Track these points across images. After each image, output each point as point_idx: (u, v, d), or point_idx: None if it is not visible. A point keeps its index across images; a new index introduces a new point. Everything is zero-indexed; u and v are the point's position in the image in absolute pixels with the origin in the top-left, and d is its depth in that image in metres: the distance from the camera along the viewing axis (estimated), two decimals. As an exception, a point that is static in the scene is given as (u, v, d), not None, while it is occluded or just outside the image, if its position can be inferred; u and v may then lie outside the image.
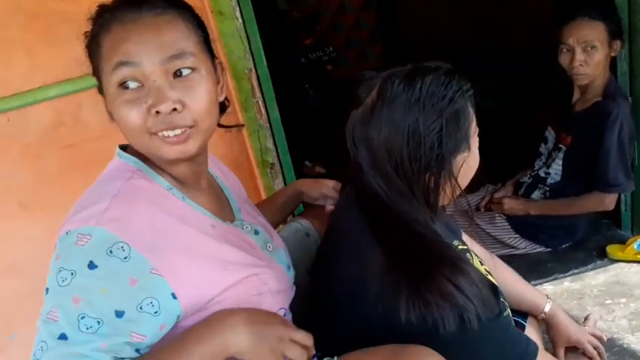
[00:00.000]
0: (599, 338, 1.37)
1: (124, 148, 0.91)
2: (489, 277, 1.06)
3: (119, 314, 0.74)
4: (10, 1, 1.42)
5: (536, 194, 2.05)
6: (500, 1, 4.08)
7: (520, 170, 2.23)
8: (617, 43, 1.78)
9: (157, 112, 0.79)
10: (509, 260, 1.90)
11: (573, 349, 1.34)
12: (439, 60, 0.91)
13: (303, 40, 4.46)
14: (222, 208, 0.98)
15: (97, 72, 0.85)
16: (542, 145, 2.10)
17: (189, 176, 0.91)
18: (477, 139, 0.94)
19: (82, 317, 0.73)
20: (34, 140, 1.54)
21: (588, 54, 1.75)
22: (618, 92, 1.82)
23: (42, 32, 1.45)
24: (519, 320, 1.32)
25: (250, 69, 1.60)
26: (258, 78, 1.63)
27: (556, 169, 1.98)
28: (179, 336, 0.78)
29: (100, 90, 0.87)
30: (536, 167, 2.09)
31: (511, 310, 1.22)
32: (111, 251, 0.74)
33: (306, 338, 0.80)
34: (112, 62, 0.80)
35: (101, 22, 0.83)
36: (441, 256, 0.85)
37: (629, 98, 1.86)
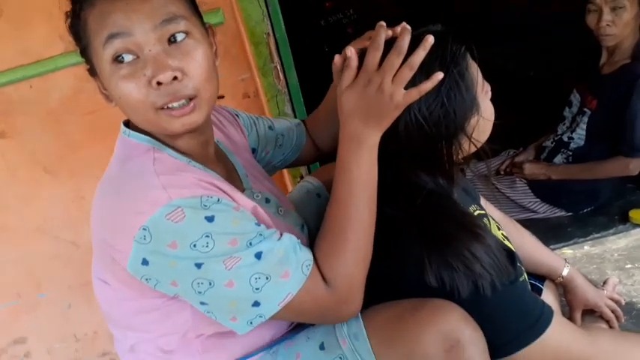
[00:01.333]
0: (617, 302, 1.38)
1: (126, 124, 0.90)
2: (506, 242, 1.06)
3: (257, 224, 0.82)
4: (29, -32, 1.43)
5: (558, 159, 2.02)
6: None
7: (543, 134, 2.20)
8: None
9: (158, 84, 0.76)
10: (529, 224, 1.91)
11: (591, 312, 1.35)
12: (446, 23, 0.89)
13: (324, 3, 4.38)
14: (231, 178, 0.98)
15: (85, 53, 0.82)
16: (567, 108, 2.05)
17: (196, 147, 0.89)
18: (489, 94, 0.93)
19: (250, 243, 0.78)
20: (57, 107, 1.57)
21: (616, 14, 1.70)
22: (647, 54, 1.76)
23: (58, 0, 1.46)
24: (536, 284, 1.33)
25: (268, 33, 1.58)
26: (276, 43, 1.62)
27: (580, 134, 1.95)
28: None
29: (92, 72, 0.84)
30: (560, 132, 2.06)
31: (529, 274, 1.23)
32: (205, 205, 0.76)
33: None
34: (101, 37, 0.76)
35: (83, 1, 0.79)
36: (459, 223, 0.86)
37: (659, 60, 1.80)
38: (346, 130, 0.85)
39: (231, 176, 0.98)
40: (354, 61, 0.82)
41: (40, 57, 1.50)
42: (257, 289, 0.78)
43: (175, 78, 0.77)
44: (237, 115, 1.16)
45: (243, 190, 0.97)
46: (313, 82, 2.17)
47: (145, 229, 0.74)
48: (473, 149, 0.91)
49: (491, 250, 0.84)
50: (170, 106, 0.78)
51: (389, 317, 0.86)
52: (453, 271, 0.82)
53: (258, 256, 0.78)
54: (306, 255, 0.83)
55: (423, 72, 0.81)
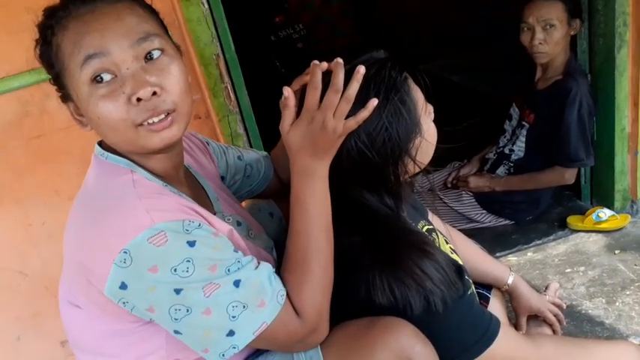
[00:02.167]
0: (559, 306, 1.45)
1: (100, 144, 0.90)
2: (454, 255, 1.11)
3: (235, 250, 0.83)
4: (-33, -9, 1.38)
5: (501, 170, 2.12)
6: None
7: (486, 146, 2.29)
8: (577, 22, 1.83)
9: (138, 100, 0.77)
10: (475, 233, 1.99)
11: (535, 317, 1.42)
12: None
13: (273, 18, 4.42)
14: (202, 201, 0.98)
15: (59, 79, 0.82)
16: (507, 122, 2.16)
17: (169, 169, 0.90)
18: (432, 115, 0.97)
19: (228, 270, 0.79)
20: (0, 132, 1.52)
21: (547, 32, 1.80)
22: (578, 70, 1.89)
23: (3, 23, 1.42)
24: (484, 292, 1.38)
25: (218, 54, 1.59)
26: (226, 63, 1.63)
27: (520, 146, 2.05)
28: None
29: (65, 98, 0.84)
30: (501, 144, 2.16)
31: (476, 283, 1.29)
32: (187, 229, 0.77)
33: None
34: (78, 59, 0.77)
35: (53, 23, 0.79)
36: (408, 242, 0.89)
37: (589, 75, 1.93)
38: (296, 165, 0.88)
39: (202, 199, 0.99)
40: (291, 100, 0.86)
41: (-19, 82, 1.46)
42: (233, 317, 0.79)
43: (154, 93, 0.78)
44: (207, 143, 1.17)
45: (214, 214, 0.98)
46: (265, 99, 2.20)
47: (125, 252, 0.74)
48: (417, 169, 0.96)
49: (441, 266, 0.88)
50: (150, 121, 0.79)
51: (342, 337, 0.89)
52: (405, 288, 0.84)
53: (237, 284, 0.80)
54: (280, 285, 0.85)
55: (363, 100, 0.84)
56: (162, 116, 0.80)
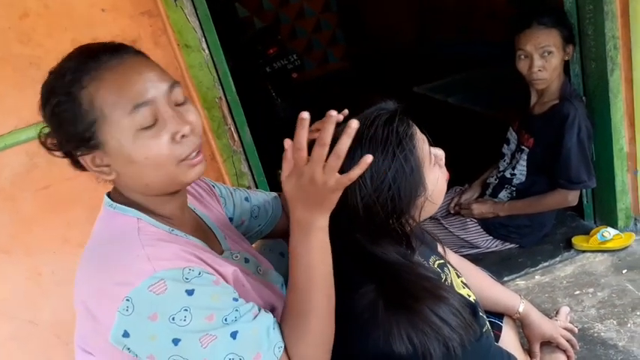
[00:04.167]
0: (571, 331, 1.45)
1: (109, 196, 0.92)
2: (466, 289, 1.11)
3: (235, 299, 0.85)
4: (-25, 50, 1.41)
5: (503, 194, 2.13)
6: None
7: (486, 168, 2.31)
8: (570, 48, 1.87)
9: (182, 137, 0.84)
10: (482, 257, 2.00)
11: (548, 343, 1.42)
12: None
13: (267, 50, 4.49)
14: (209, 240, 1.00)
15: (89, 129, 0.82)
16: (505, 146, 2.18)
17: (177, 211, 0.94)
18: (441, 161, 0.97)
19: (225, 319, 0.80)
20: (8, 185, 1.53)
21: (546, 59, 1.83)
22: (573, 94, 1.91)
23: (9, 77, 1.45)
24: (496, 321, 1.38)
25: (220, 97, 1.62)
26: (228, 105, 1.66)
27: (521, 170, 2.07)
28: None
29: (89, 147, 0.84)
30: (502, 168, 2.17)
31: (488, 312, 1.29)
32: (187, 278, 0.79)
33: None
34: (125, 107, 0.81)
35: (81, 75, 0.81)
36: (423, 288, 0.88)
37: (584, 98, 1.97)
38: (294, 216, 0.87)
39: (209, 239, 1.01)
40: (289, 152, 0.85)
41: (-11, 136, 1.48)
42: None
43: (191, 131, 0.86)
44: (213, 186, 1.20)
45: (221, 252, 1.00)
46: (266, 135, 2.22)
47: (128, 300, 0.77)
48: (425, 216, 0.95)
49: (457, 310, 0.87)
50: (191, 156, 0.86)
51: None
52: (424, 337, 0.83)
53: (234, 335, 0.80)
54: (278, 337, 0.85)
55: (359, 157, 0.83)
56: (197, 151, 0.88)
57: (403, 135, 0.88)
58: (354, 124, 0.81)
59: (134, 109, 0.81)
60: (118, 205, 0.90)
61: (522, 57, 1.87)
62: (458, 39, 4.35)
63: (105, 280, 0.81)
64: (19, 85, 1.45)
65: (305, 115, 0.82)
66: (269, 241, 1.35)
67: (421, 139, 0.93)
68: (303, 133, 0.82)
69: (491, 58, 3.17)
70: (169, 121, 0.84)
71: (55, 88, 0.83)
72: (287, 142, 0.86)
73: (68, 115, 0.83)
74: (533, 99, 2.03)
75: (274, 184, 1.48)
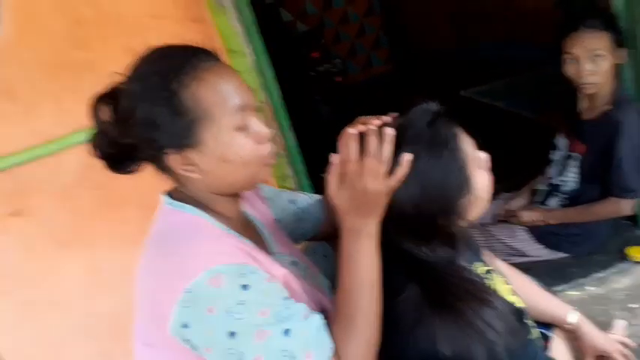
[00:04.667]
0: (628, 345, 1.39)
1: (168, 195, 0.96)
2: (514, 297, 1.09)
3: (285, 298, 0.87)
4: (36, 56, 1.49)
5: (553, 202, 2.06)
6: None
7: (534, 175, 2.24)
8: (622, 51, 1.79)
9: (265, 138, 0.91)
10: (530, 266, 1.93)
11: (602, 357, 1.36)
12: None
13: (310, 54, 4.53)
14: (258, 242, 1.02)
15: (189, 127, 0.86)
16: (554, 152, 2.10)
17: (234, 212, 0.98)
18: (486, 164, 0.96)
19: (278, 316, 0.83)
20: (69, 183, 1.61)
21: (595, 63, 1.76)
22: (625, 99, 1.84)
23: (67, 81, 1.52)
24: (544, 332, 1.34)
25: (265, 101, 1.65)
26: (273, 109, 1.68)
27: (572, 177, 1.99)
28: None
29: (185, 145, 0.87)
30: (550, 175, 2.10)
31: (536, 322, 1.25)
32: (242, 273, 0.82)
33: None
34: (229, 107, 0.87)
35: (181, 75, 0.84)
36: (467, 292, 0.89)
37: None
38: (345, 225, 0.90)
39: (258, 241, 1.03)
40: (337, 166, 0.89)
41: (50, 137, 1.56)
42: None
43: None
44: (260, 188, 1.22)
45: (270, 255, 1.01)
46: (308, 136, 2.23)
47: (187, 292, 0.80)
48: (471, 218, 0.95)
49: (502, 314, 0.87)
50: (269, 157, 0.93)
51: None
52: (468, 339, 0.83)
53: (287, 333, 0.82)
54: (327, 339, 0.86)
55: (423, 156, 0.87)
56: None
57: (448, 134, 0.89)
58: (391, 131, 0.85)
59: (235, 110, 0.87)
60: (178, 202, 0.93)
61: (570, 61, 1.81)
62: (504, 42, 4.27)
63: (166, 273, 0.84)
64: (76, 88, 1.51)
65: (352, 130, 0.87)
66: (312, 243, 1.36)
67: (466, 141, 0.93)
68: (353, 146, 0.86)
69: (538, 61, 3.10)
70: (256, 123, 0.90)
71: (144, 92, 0.86)
72: (333, 157, 0.89)
73: (166, 115, 0.85)
74: (583, 104, 1.96)
75: (318, 187, 1.49)
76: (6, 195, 1.59)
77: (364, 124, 0.90)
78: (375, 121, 0.90)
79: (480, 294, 0.89)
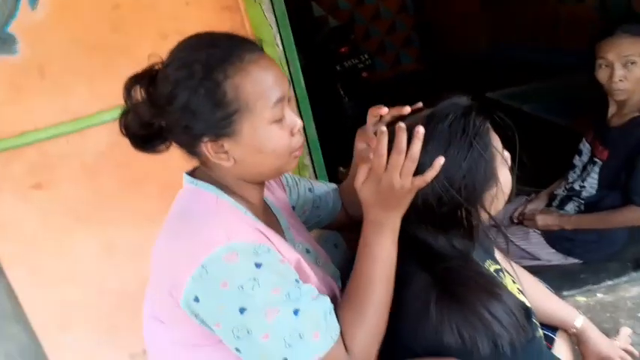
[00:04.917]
0: (631, 353, 1.39)
1: (190, 174, 0.99)
2: (522, 296, 1.10)
3: (297, 280, 0.89)
4: (72, 36, 1.55)
5: (570, 207, 2.05)
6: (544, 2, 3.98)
7: (554, 179, 2.23)
8: None
9: (297, 131, 0.93)
10: (541, 270, 1.93)
11: (605, 363, 1.37)
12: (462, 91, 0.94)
13: (338, 48, 4.53)
14: (275, 229, 1.04)
15: (228, 117, 0.86)
16: (577, 157, 2.10)
17: (256, 198, 1.01)
18: (507, 163, 0.97)
19: (289, 295, 0.84)
20: (92, 160, 1.67)
21: (628, 69, 1.75)
22: (655, 108, 1.82)
23: (100, 63, 1.57)
24: (549, 334, 1.35)
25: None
26: (297, 100, 1.71)
27: (591, 183, 1.98)
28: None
29: (219, 135, 0.88)
30: (571, 180, 2.09)
31: (541, 324, 1.26)
32: (257, 252, 0.85)
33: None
34: (271, 99, 0.88)
35: (225, 65, 0.85)
36: (477, 284, 0.90)
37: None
38: (369, 217, 0.92)
39: (275, 227, 1.05)
40: (367, 160, 0.91)
41: (78, 115, 1.61)
42: (289, 345, 0.83)
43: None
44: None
45: (286, 240, 1.04)
46: (330, 129, 2.25)
47: (202, 267, 0.82)
48: (493, 212, 0.96)
49: (510, 309, 0.87)
50: (298, 149, 0.95)
51: None
52: (473, 330, 0.84)
53: (296, 312, 0.84)
54: (335, 323, 0.89)
55: (448, 145, 0.88)
56: None
57: (480, 127, 0.90)
58: (421, 129, 0.85)
59: (275, 103, 0.88)
60: (200, 182, 0.96)
61: (603, 66, 1.80)
62: (533, 46, 4.22)
63: (183, 247, 0.86)
64: (108, 70, 1.57)
65: (383, 128, 0.87)
66: (324, 232, 1.39)
67: (495, 137, 0.94)
68: (384, 142, 0.87)
69: (566, 66, 3.06)
70: (290, 116, 0.92)
71: (186, 80, 0.85)
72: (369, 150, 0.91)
73: (206, 105, 0.86)
74: (612, 110, 1.94)
75: (333, 179, 1.51)
76: (30, 168, 1.65)
77: (377, 113, 0.93)
78: (404, 109, 0.93)
79: (490, 287, 0.90)
